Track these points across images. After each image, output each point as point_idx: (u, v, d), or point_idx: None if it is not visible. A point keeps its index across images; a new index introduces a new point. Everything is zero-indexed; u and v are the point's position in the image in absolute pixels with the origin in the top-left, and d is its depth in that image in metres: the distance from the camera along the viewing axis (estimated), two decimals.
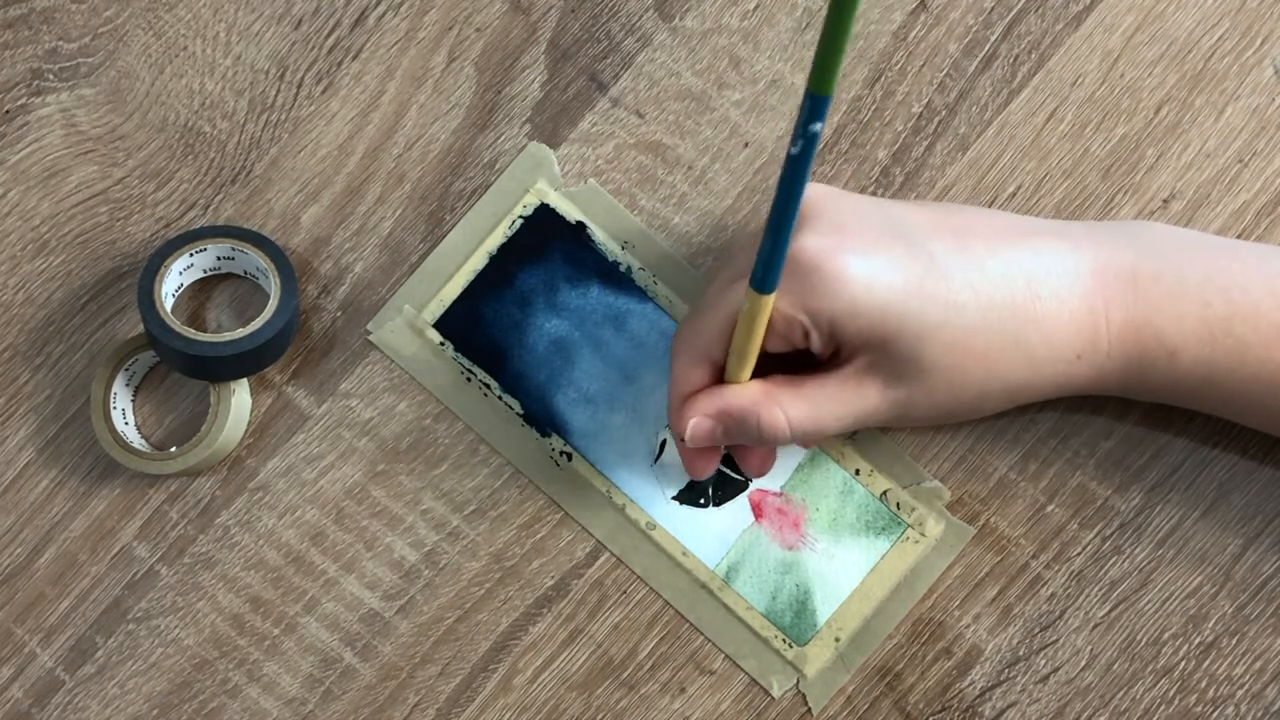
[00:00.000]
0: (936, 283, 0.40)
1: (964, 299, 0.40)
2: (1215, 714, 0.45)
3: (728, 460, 0.47)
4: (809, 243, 0.40)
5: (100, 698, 0.48)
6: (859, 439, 0.47)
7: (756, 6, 0.49)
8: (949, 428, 0.47)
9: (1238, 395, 0.42)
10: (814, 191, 0.42)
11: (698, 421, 0.42)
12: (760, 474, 0.46)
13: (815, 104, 0.34)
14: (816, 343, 0.41)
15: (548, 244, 0.48)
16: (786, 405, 0.41)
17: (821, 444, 0.47)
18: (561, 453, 0.47)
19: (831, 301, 0.40)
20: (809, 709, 0.46)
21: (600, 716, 0.47)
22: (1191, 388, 0.42)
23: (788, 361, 0.43)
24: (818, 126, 0.34)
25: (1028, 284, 0.41)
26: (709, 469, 0.45)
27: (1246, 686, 0.45)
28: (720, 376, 0.43)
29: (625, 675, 0.47)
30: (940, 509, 0.46)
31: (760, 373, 0.42)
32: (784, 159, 0.36)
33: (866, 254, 0.40)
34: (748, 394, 0.42)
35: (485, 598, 0.47)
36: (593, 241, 0.48)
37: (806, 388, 0.41)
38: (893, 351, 0.40)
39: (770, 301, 0.39)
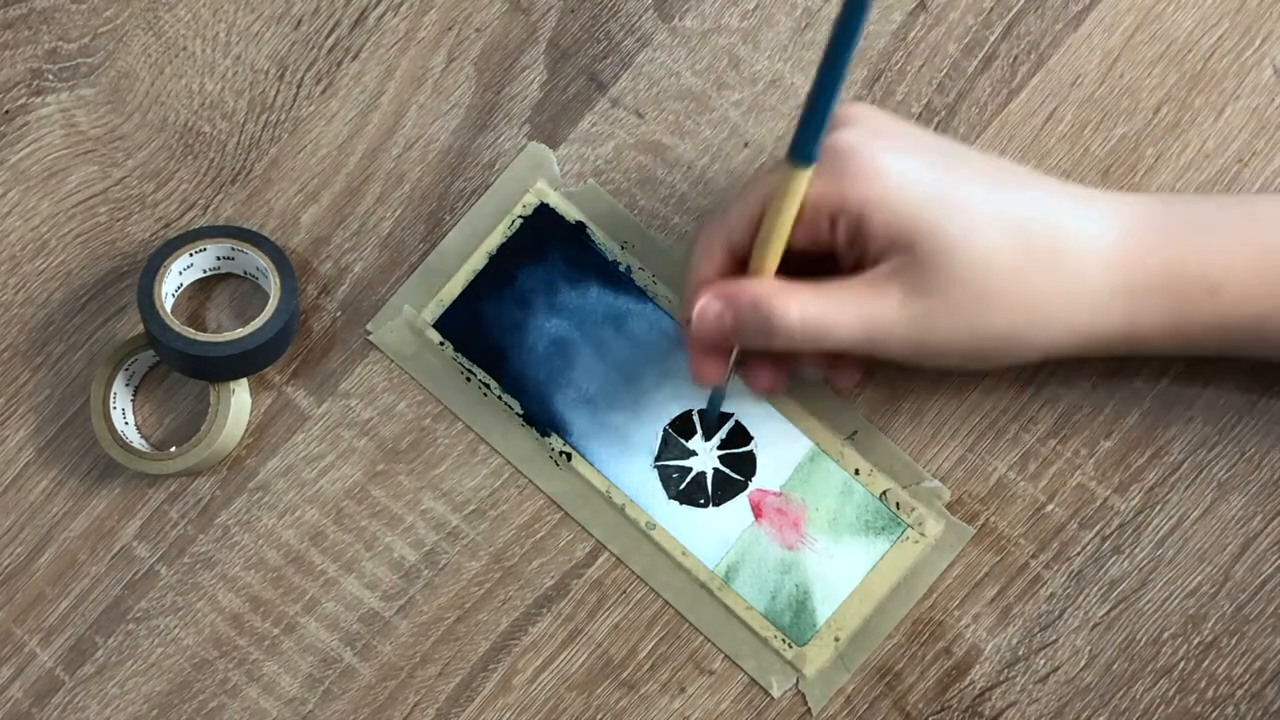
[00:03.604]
0: (972, 193, 0.39)
1: (999, 213, 0.39)
2: (1215, 714, 0.45)
3: (728, 460, 0.47)
4: (847, 135, 0.39)
5: (100, 698, 0.48)
6: (859, 438, 0.47)
7: (756, 6, 0.49)
8: (949, 428, 0.47)
9: None
10: (855, 106, 0.41)
11: (706, 302, 0.41)
12: (769, 389, 0.45)
13: None
14: (843, 234, 0.40)
15: (547, 244, 0.48)
16: (802, 298, 0.40)
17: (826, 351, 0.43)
18: (561, 453, 0.47)
19: (865, 188, 0.39)
20: (808, 709, 0.46)
21: (600, 716, 0.47)
22: (1239, 330, 0.41)
23: (812, 274, 0.42)
24: None
25: (1064, 216, 0.40)
26: (713, 374, 0.44)
27: (1246, 686, 0.45)
28: (740, 272, 0.42)
29: (625, 675, 0.47)
30: (940, 509, 0.46)
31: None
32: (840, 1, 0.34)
33: (904, 153, 0.40)
34: (763, 283, 0.41)
35: (485, 597, 0.47)
36: (592, 241, 0.48)
37: (825, 286, 0.40)
38: (920, 254, 0.39)
39: (806, 179, 0.39)
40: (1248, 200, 0.43)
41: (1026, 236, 0.39)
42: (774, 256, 0.41)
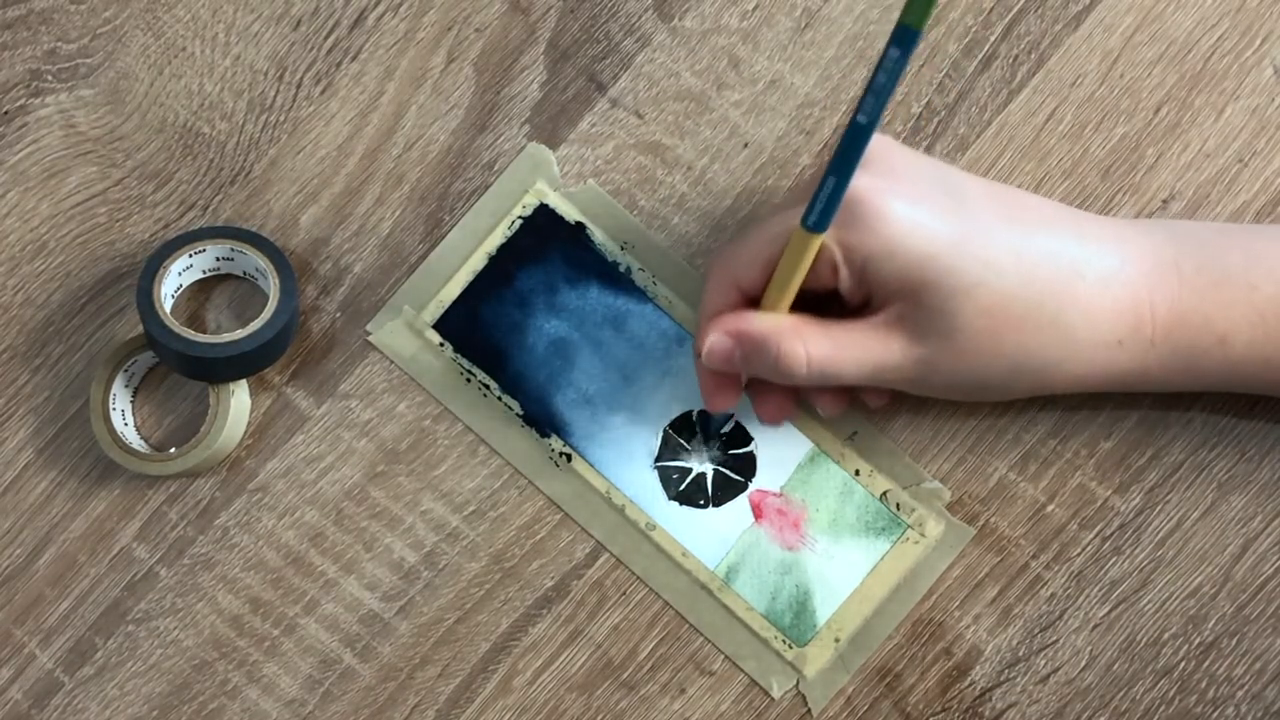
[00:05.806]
0: (979, 242, 0.40)
1: (1005, 264, 0.40)
2: (1215, 714, 0.45)
3: (728, 460, 0.47)
4: (857, 182, 0.39)
5: (100, 699, 0.48)
6: (859, 439, 0.47)
7: (756, 7, 0.49)
8: (949, 428, 0.47)
9: None
10: (873, 140, 0.42)
11: (717, 338, 0.42)
12: (772, 421, 0.46)
13: (903, 35, 0.34)
14: (845, 280, 0.41)
15: (547, 244, 0.48)
16: (809, 341, 0.41)
17: (830, 410, 0.45)
18: (561, 453, 0.47)
19: (869, 238, 0.39)
20: (809, 710, 0.46)
21: (600, 717, 0.47)
22: (1247, 373, 0.41)
23: (822, 313, 0.42)
24: (905, 62, 0.34)
25: (1072, 264, 0.40)
26: (724, 402, 0.45)
27: (1246, 686, 0.45)
28: (749, 305, 0.42)
29: (625, 676, 0.47)
30: (940, 509, 0.46)
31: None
32: (863, 88, 0.35)
33: (912, 201, 0.40)
34: (772, 322, 0.41)
35: (485, 599, 0.47)
36: (592, 242, 0.48)
37: (832, 329, 0.41)
38: (925, 303, 0.40)
39: (818, 241, 0.39)
40: (1257, 234, 0.43)
41: (1033, 287, 0.40)
42: (786, 302, 0.41)
